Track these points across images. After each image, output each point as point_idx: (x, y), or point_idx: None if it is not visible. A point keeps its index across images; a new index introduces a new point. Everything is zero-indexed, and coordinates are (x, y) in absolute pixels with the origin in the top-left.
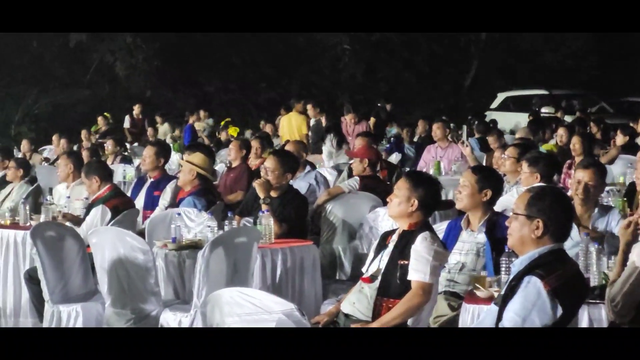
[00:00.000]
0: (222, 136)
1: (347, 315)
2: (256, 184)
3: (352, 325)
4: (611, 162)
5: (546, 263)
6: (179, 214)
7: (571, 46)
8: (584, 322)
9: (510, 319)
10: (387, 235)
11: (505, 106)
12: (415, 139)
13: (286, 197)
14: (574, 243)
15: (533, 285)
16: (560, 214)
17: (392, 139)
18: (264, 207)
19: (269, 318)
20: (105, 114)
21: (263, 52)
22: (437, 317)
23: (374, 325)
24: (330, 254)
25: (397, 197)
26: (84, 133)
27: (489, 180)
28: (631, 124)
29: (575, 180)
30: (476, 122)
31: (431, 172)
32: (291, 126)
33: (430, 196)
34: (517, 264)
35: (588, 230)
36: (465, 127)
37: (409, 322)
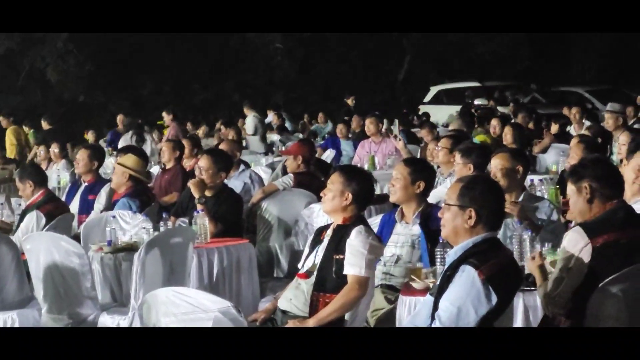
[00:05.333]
0: (155, 138)
1: (284, 312)
2: (190, 184)
3: (290, 322)
4: (544, 151)
5: (480, 252)
6: (114, 217)
7: (504, 37)
8: (519, 309)
9: (445, 308)
10: (321, 231)
11: (438, 99)
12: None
13: (221, 196)
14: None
15: (467, 275)
16: (492, 202)
17: (326, 135)
18: (198, 206)
19: (206, 317)
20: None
21: (196, 53)
22: (374, 311)
23: (311, 320)
24: (266, 251)
25: (330, 192)
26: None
27: (422, 172)
28: (564, 113)
29: (492, 171)
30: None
31: (366, 167)
32: None
33: (364, 190)
34: (452, 254)
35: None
36: (397, 121)
37: (347, 316)
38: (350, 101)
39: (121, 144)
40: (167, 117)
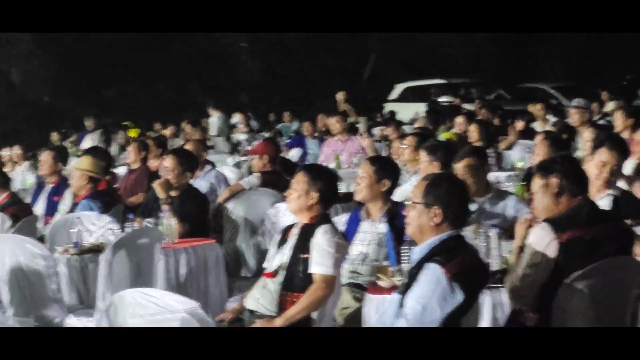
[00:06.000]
0: (121, 139)
1: (251, 312)
2: (155, 185)
3: (257, 321)
4: (509, 147)
5: (446, 250)
6: (79, 219)
7: (470, 36)
8: (486, 306)
9: (411, 306)
10: (287, 230)
11: (404, 97)
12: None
13: (186, 196)
14: None
15: (433, 272)
16: (457, 200)
17: (292, 134)
18: (164, 207)
19: (173, 317)
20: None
21: (162, 53)
22: (342, 310)
23: (279, 320)
24: (233, 251)
25: (295, 191)
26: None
27: (387, 170)
28: (529, 109)
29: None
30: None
31: (332, 165)
32: None
33: (329, 189)
34: (417, 252)
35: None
36: (363, 119)
37: (314, 315)
38: (341, 96)
39: (86, 144)
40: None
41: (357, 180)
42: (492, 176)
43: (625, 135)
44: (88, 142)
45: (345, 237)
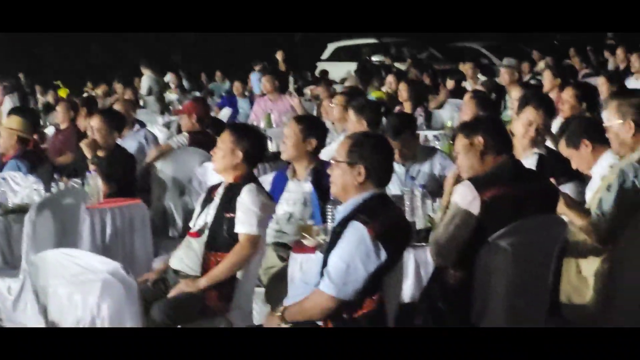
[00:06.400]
0: (50, 98)
1: (176, 272)
2: (83, 144)
3: (181, 282)
4: (440, 106)
5: (369, 208)
6: (4, 179)
7: None
8: (410, 265)
9: (335, 264)
10: (213, 189)
11: (335, 56)
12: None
13: (113, 156)
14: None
15: (356, 231)
16: (381, 159)
17: (223, 94)
18: (91, 167)
19: (95, 278)
20: None
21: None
22: (267, 269)
23: (203, 280)
24: (161, 211)
25: (221, 150)
26: None
27: (313, 129)
28: (460, 68)
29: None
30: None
31: (262, 124)
32: None
33: (254, 148)
34: (341, 211)
35: None
36: (293, 78)
37: (238, 274)
38: (280, 55)
39: (6, 105)
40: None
41: (283, 139)
42: (422, 135)
43: (553, 94)
44: (7, 103)
45: (271, 197)
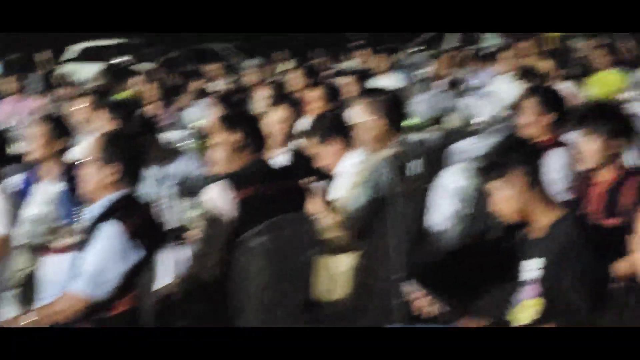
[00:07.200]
0: None
1: None
2: None
3: None
4: (186, 107)
5: (123, 207)
6: None
7: None
8: (165, 264)
9: (88, 264)
10: None
11: (83, 57)
12: None
13: None
14: None
15: (109, 230)
16: (134, 158)
17: None
18: None
19: None
20: None
21: None
22: (17, 271)
23: None
24: None
25: None
26: None
27: (61, 129)
28: (206, 69)
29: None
30: None
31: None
32: None
33: None
34: (94, 210)
35: None
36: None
37: None
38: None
39: None
40: None
41: (30, 140)
42: (164, 137)
43: (301, 94)
44: None
45: (18, 197)
